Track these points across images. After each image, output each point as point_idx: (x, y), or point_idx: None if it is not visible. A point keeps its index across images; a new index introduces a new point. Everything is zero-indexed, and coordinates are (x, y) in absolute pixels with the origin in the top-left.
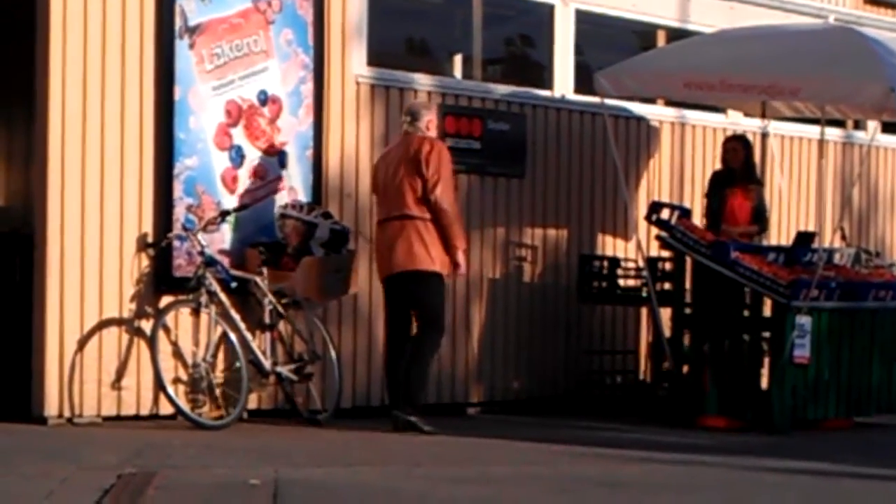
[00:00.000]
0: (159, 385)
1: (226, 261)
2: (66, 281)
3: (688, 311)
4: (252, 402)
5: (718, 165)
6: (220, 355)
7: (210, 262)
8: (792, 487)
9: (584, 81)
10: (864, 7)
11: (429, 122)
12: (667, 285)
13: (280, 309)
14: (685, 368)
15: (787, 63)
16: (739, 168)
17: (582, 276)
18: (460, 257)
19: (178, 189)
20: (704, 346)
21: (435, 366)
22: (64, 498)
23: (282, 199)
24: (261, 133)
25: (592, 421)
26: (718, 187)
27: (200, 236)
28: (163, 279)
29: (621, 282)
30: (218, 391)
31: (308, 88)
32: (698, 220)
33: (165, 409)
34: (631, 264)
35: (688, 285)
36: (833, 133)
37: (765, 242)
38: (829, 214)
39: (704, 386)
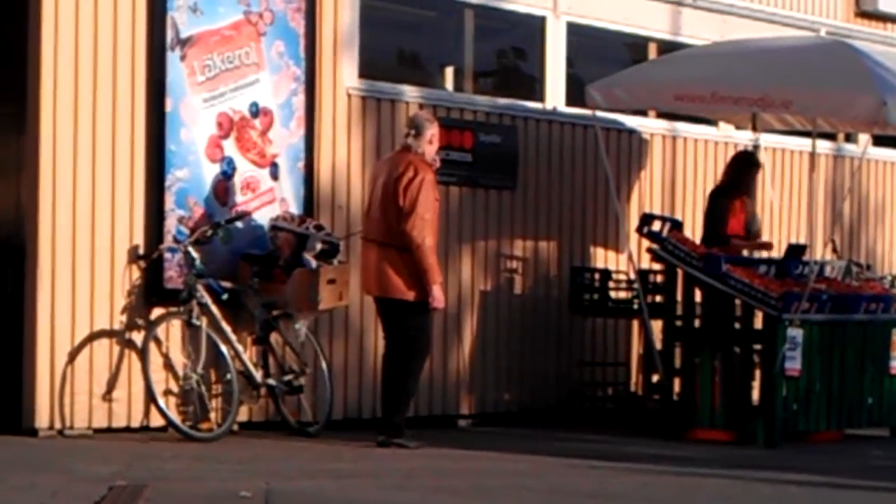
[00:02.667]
0: (150, 397)
1: (217, 273)
2: (57, 292)
3: (679, 323)
4: (243, 415)
5: (710, 177)
6: (212, 367)
7: (201, 274)
8: (785, 500)
9: (575, 94)
10: (855, 20)
11: (432, 136)
12: (658, 297)
13: (271, 321)
14: (676, 381)
15: (779, 76)
16: (750, 184)
17: (573, 288)
18: (436, 291)
19: (169, 201)
20: (696, 359)
21: (426, 377)
22: None
23: (273, 210)
24: (252, 145)
25: (584, 433)
26: (722, 204)
27: (192, 248)
28: (154, 291)
29: (612, 294)
30: (209, 403)
31: (299, 100)
32: (690, 232)
33: (156, 421)
34: (622, 276)
35: (679, 297)
36: (824, 146)
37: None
38: (820, 227)
39: (696, 398)
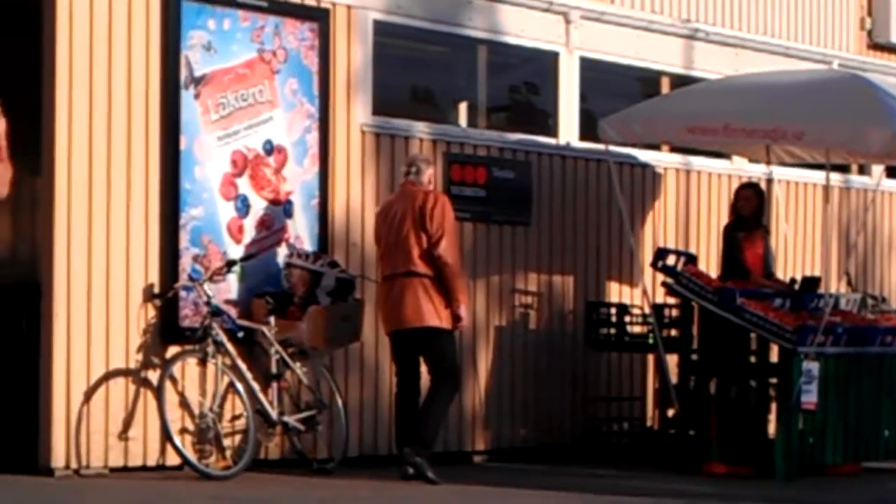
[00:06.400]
0: (166, 436)
1: (232, 311)
2: (72, 331)
3: (694, 357)
4: (259, 452)
5: (724, 210)
6: (227, 405)
7: (216, 312)
8: None
9: (588, 128)
10: (868, 53)
11: (430, 176)
12: (673, 332)
13: (287, 358)
14: (693, 415)
15: (791, 108)
16: (750, 216)
17: (589, 323)
18: (462, 311)
19: (184, 239)
20: (711, 393)
21: None
22: None
23: (287, 248)
24: (266, 183)
25: (600, 468)
26: (735, 237)
27: (207, 286)
28: (169, 329)
29: (628, 328)
30: (225, 441)
31: (313, 138)
32: (704, 265)
33: (172, 459)
34: (637, 311)
35: (694, 331)
36: (838, 178)
37: None
38: (834, 260)
39: (711, 433)
